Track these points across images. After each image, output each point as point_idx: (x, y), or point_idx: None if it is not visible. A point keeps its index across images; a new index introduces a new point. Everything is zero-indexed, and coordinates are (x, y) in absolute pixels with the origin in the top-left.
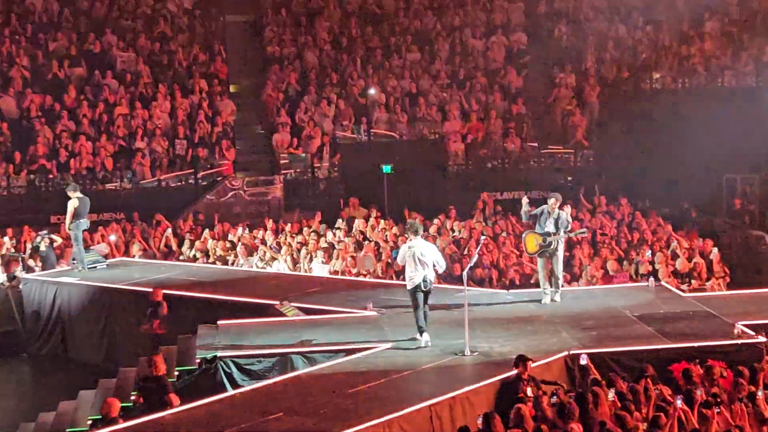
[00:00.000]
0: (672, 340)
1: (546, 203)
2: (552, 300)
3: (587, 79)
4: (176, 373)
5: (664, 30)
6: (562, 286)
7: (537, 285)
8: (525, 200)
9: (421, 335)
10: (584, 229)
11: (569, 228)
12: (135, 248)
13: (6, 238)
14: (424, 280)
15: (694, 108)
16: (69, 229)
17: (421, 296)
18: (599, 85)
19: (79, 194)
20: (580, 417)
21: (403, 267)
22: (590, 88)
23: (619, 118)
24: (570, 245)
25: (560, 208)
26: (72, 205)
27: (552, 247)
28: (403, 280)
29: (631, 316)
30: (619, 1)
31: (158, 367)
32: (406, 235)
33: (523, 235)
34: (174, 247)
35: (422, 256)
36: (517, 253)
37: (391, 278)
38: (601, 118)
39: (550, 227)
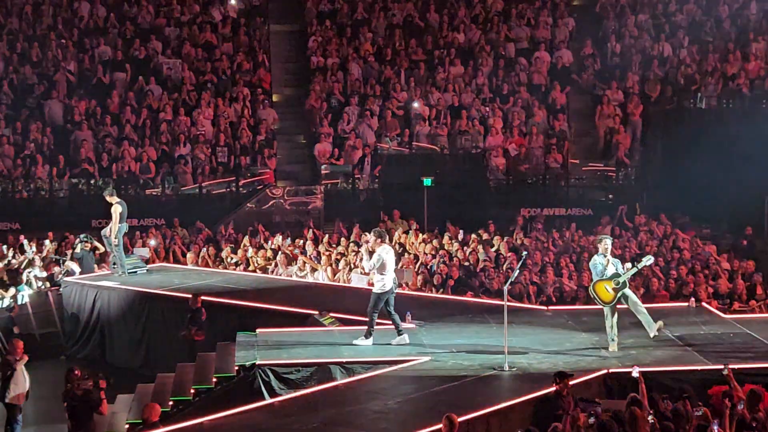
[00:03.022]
0: (712, 361)
1: (600, 246)
2: (657, 332)
3: (631, 96)
4: (214, 379)
5: (709, 49)
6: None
7: (574, 301)
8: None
9: (368, 338)
10: (650, 256)
11: (627, 266)
12: (189, 257)
13: (47, 241)
14: (394, 282)
15: (737, 128)
16: (114, 236)
17: (386, 299)
18: (643, 104)
19: (116, 198)
20: None
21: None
22: (633, 106)
23: (662, 136)
24: None
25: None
26: (116, 211)
27: (626, 287)
28: (443, 293)
29: (671, 337)
30: (665, 20)
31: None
32: (373, 240)
33: (591, 289)
34: (212, 255)
35: (392, 261)
36: (553, 270)
37: (430, 291)
38: (643, 137)
39: (611, 270)
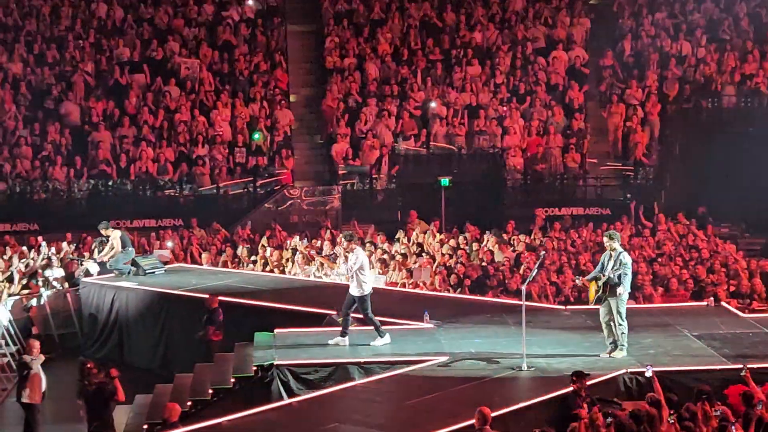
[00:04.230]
0: (731, 361)
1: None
2: (610, 354)
3: (649, 96)
4: (232, 380)
5: (727, 48)
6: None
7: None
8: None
9: (383, 336)
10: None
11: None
12: (204, 257)
13: (64, 243)
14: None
15: (755, 127)
16: (108, 258)
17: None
18: (660, 103)
19: (111, 229)
20: None
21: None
22: (651, 106)
23: (680, 136)
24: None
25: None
26: (116, 236)
27: (607, 292)
28: (461, 293)
29: (690, 336)
30: (683, 19)
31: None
32: (345, 244)
33: (586, 283)
34: (230, 255)
35: (367, 263)
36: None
37: (447, 290)
38: (662, 136)
39: (608, 270)
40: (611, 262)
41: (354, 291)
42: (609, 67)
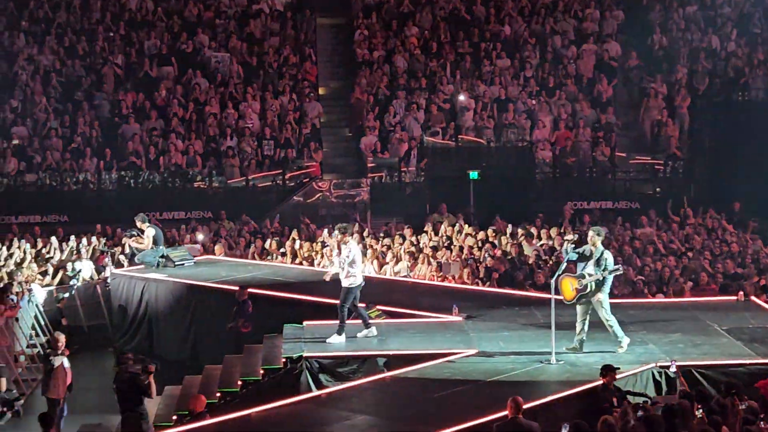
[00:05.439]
0: (761, 355)
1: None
2: (620, 347)
3: (678, 89)
4: (261, 371)
5: (758, 41)
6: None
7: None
8: (566, 246)
9: (340, 334)
10: (619, 266)
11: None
12: (217, 248)
13: (93, 238)
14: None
15: None
16: (134, 243)
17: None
18: (690, 96)
19: (147, 224)
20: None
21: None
22: (681, 99)
23: (710, 129)
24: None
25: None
26: (150, 234)
27: (589, 291)
28: (491, 286)
29: (720, 330)
30: (714, 13)
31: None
32: (339, 236)
33: (558, 280)
34: (258, 247)
35: (360, 255)
36: None
37: (476, 284)
38: (691, 130)
39: (589, 268)
40: (592, 259)
41: (344, 282)
42: (638, 62)
